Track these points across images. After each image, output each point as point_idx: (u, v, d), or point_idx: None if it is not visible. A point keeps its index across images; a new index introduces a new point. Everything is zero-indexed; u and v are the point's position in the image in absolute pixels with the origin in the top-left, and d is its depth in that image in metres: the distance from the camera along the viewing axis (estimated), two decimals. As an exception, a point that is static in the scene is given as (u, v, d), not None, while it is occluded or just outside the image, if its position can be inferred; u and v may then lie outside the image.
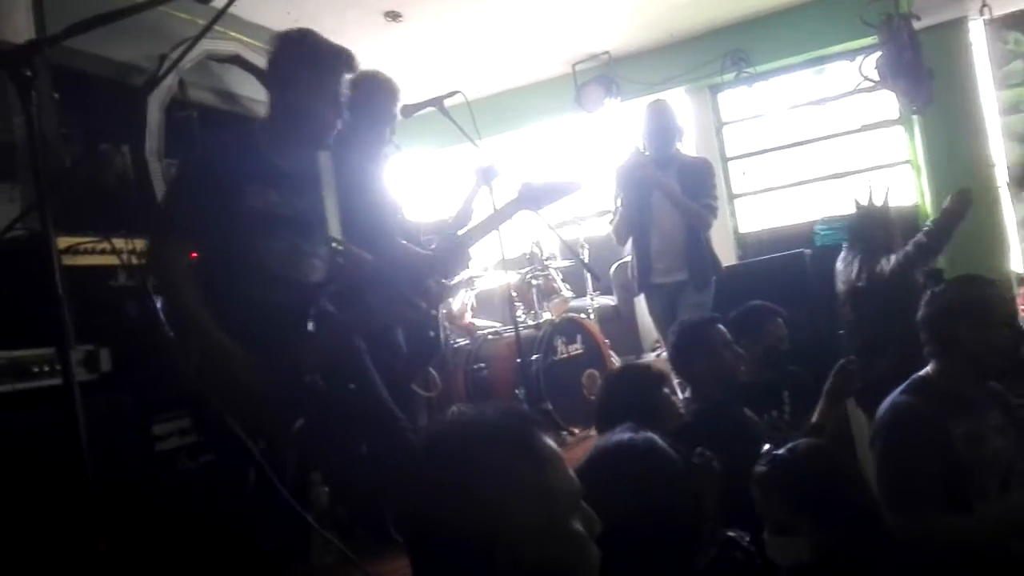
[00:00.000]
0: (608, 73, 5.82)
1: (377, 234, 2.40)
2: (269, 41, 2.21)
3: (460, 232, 2.60)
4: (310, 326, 2.11)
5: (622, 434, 1.60)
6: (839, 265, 3.79)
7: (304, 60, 2.10)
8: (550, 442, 1.08)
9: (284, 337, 2.06)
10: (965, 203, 3.29)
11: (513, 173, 2.80)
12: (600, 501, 1.09)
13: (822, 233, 5.04)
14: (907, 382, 2.13)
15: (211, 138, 2.19)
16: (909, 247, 3.37)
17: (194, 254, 2.11)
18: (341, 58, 2.16)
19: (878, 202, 3.76)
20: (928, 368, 2.13)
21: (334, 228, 2.22)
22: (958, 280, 2.24)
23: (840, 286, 3.75)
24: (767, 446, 1.87)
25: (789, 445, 1.83)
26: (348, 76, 2.18)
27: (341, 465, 2.33)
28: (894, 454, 1.95)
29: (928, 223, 3.51)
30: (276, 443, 1.98)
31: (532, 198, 2.35)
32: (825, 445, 1.88)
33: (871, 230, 3.71)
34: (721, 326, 2.86)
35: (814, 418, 2.52)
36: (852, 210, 3.92)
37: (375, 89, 2.87)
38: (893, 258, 3.41)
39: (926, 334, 2.15)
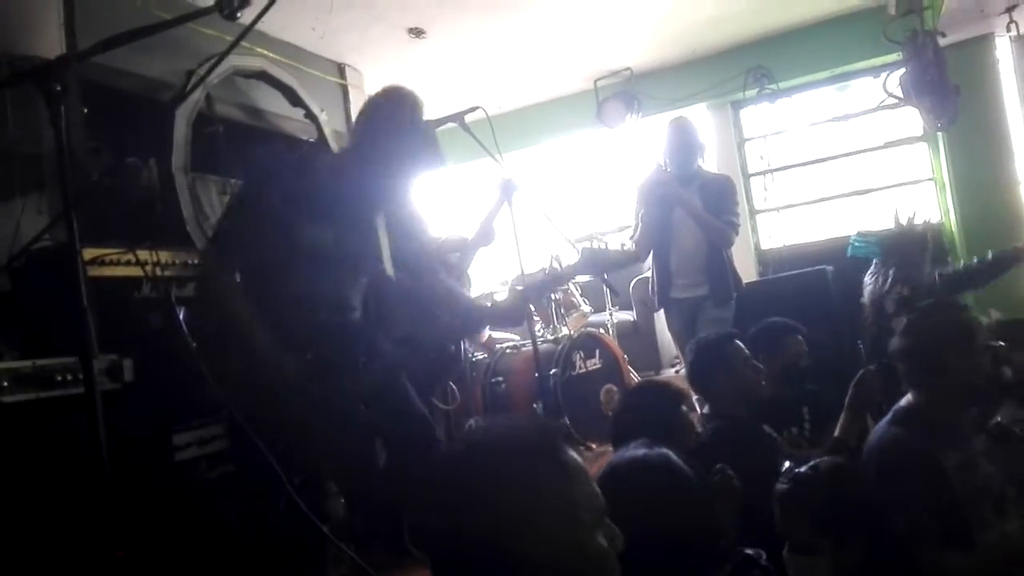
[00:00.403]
0: (630, 89, 5.83)
1: (431, 275, 2.41)
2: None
3: (520, 288, 2.60)
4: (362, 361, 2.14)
5: (636, 450, 1.60)
6: (867, 278, 3.74)
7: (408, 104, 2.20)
8: (576, 456, 1.08)
9: (337, 366, 2.07)
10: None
11: (533, 189, 2.82)
12: (613, 516, 1.09)
13: (856, 244, 4.92)
14: (892, 412, 2.06)
15: (272, 157, 2.18)
16: (961, 269, 3.32)
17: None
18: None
19: (918, 222, 3.72)
20: (910, 397, 2.06)
21: (387, 268, 2.24)
22: (935, 307, 2.18)
23: (866, 298, 3.70)
24: (788, 464, 1.85)
25: (811, 463, 1.81)
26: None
27: (358, 476, 2.34)
28: (889, 492, 1.86)
29: (988, 256, 3.49)
30: (307, 462, 1.99)
31: (593, 264, 2.38)
32: (847, 464, 1.85)
33: (908, 247, 3.65)
34: (739, 343, 2.83)
35: (836, 432, 2.49)
36: (890, 226, 3.86)
37: (399, 104, 2.90)
38: (937, 275, 3.37)
39: (909, 364, 2.06)
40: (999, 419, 2.15)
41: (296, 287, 2.08)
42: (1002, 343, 2.05)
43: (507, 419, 1.13)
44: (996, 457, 2.01)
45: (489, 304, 2.56)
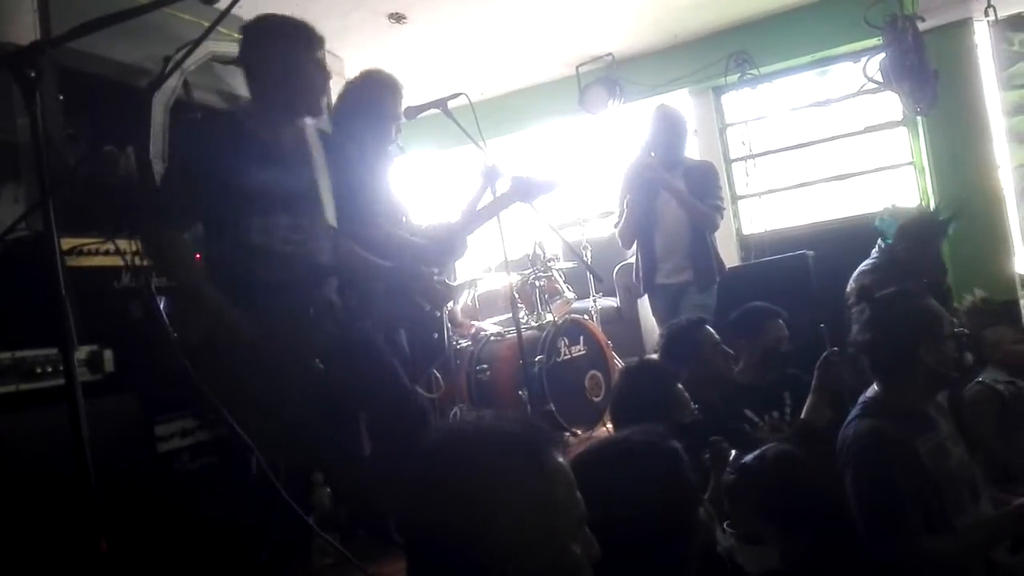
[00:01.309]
0: (611, 75, 5.82)
1: (371, 224, 2.39)
2: (240, 31, 2.28)
3: (453, 224, 2.59)
4: (311, 312, 2.12)
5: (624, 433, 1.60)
6: (865, 266, 3.69)
7: (282, 33, 2.18)
8: (562, 461, 1.07)
9: (291, 318, 2.07)
10: None
11: (513, 173, 2.81)
12: (589, 494, 1.08)
13: (884, 219, 4.82)
14: (860, 404, 2.04)
15: (187, 121, 2.20)
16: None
17: (198, 256, 2.12)
18: (309, 28, 2.22)
19: (938, 218, 3.70)
20: (875, 389, 2.05)
21: (329, 215, 2.21)
22: (896, 298, 2.12)
23: (855, 282, 3.66)
24: (734, 453, 1.85)
25: (757, 453, 1.80)
26: (323, 44, 2.24)
27: (343, 465, 2.33)
28: (871, 483, 1.84)
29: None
30: (273, 432, 1.98)
31: (523, 191, 2.39)
32: (794, 452, 1.82)
33: (925, 229, 3.63)
34: (710, 328, 2.86)
35: (803, 415, 2.51)
36: (914, 211, 3.85)
37: (377, 87, 2.88)
38: None
39: (877, 356, 2.04)
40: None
41: (255, 232, 2.07)
42: (965, 330, 2.05)
43: (493, 416, 1.12)
44: (960, 440, 2.03)
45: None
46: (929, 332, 1.96)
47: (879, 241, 3.74)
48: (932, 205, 3.74)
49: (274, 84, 2.14)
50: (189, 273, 2.06)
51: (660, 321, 4.15)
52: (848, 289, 3.66)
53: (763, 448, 1.81)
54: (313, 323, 2.11)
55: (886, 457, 1.85)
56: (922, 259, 3.53)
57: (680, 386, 2.42)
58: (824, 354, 2.46)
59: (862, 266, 3.72)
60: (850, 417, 2.03)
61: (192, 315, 2.02)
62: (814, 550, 1.64)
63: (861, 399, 2.08)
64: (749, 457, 1.80)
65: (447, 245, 2.43)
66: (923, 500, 1.80)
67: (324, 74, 2.18)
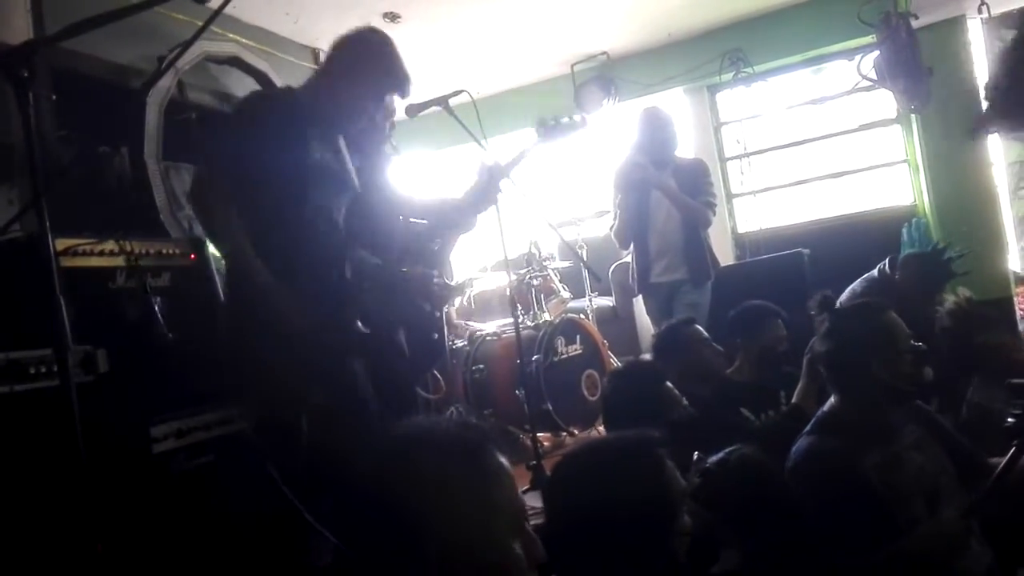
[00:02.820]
0: (606, 73, 5.82)
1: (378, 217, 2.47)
2: (337, 40, 2.35)
3: (487, 171, 2.70)
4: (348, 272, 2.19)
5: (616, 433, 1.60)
6: (860, 283, 3.63)
7: (370, 57, 2.26)
8: (502, 460, 1.08)
9: (328, 286, 2.12)
10: None
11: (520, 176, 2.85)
12: (568, 495, 1.09)
13: (914, 235, 4.75)
14: (813, 420, 2.04)
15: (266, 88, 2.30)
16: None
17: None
18: (403, 76, 2.33)
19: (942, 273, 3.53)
20: (832, 401, 2.04)
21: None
22: (855, 310, 2.13)
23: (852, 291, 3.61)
24: (696, 455, 1.84)
25: (720, 457, 1.80)
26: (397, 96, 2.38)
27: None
28: (811, 500, 1.83)
29: None
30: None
31: (548, 133, 2.40)
32: (757, 456, 1.82)
33: (915, 276, 3.51)
34: (697, 326, 2.87)
35: (794, 399, 2.52)
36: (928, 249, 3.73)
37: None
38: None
39: (831, 369, 2.04)
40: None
41: (309, 203, 2.12)
42: (922, 344, 2.00)
43: (432, 419, 1.13)
44: (928, 445, 1.99)
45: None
46: (883, 346, 1.94)
47: (882, 264, 3.67)
48: (941, 245, 3.63)
49: (332, 105, 2.22)
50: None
51: (654, 320, 4.16)
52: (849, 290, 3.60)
53: (727, 451, 1.81)
54: (352, 284, 2.19)
55: (823, 476, 1.84)
56: (918, 297, 3.40)
57: (669, 384, 2.43)
58: (813, 340, 2.46)
59: (858, 282, 3.68)
60: (803, 432, 2.02)
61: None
62: (773, 553, 1.65)
63: (817, 412, 2.07)
64: (712, 460, 1.80)
65: (485, 190, 2.48)
66: (864, 516, 1.79)
67: (382, 116, 2.32)
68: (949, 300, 3.08)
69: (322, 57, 4.61)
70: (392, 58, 2.30)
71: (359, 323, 2.20)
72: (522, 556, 1.04)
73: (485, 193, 2.50)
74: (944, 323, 2.95)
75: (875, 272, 3.66)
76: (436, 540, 0.98)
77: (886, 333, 1.97)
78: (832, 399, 2.05)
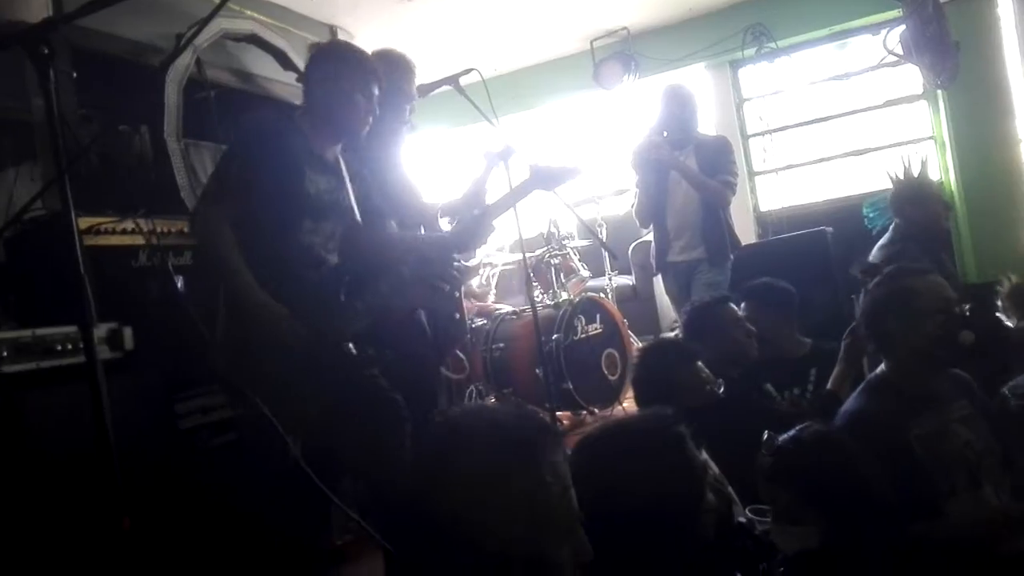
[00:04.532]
0: (626, 49, 5.75)
1: (396, 218, 2.43)
2: (308, 49, 2.34)
3: (477, 211, 2.62)
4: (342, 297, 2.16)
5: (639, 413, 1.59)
6: (877, 252, 3.60)
7: (340, 56, 2.23)
8: (560, 461, 1.06)
9: (321, 310, 2.10)
10: None
11: (527, 153, 2.79)
12: (590, 480, 1.07)
13: (870, 216, 4.78)
14: (864, 383, 2.05)
15: (260, 115, 2.31)
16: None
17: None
18: (370, 63, 2.27)
19: (914, 173, 3.57)
20: (882, 366, 2.04)
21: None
22: (889, 272, 2.10)
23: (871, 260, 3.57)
24: (767, 434, 1.82)
25: (793, 434, 1.78)
26: (381, 74, 2.29)
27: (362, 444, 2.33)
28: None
29: None
30: (300, 411, 1.99)
31: (543, 178, 2.40)
32: (831, 432, 1.80)
33: (918, 194, 3.56)
34: (732, 305, 2.83)
35: (829, 385, 2.49)
36: (888, 185, 3.76)
37: (389, 68, 2.85)
38: None
39: (865, 332, 2.05)
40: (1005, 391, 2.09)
41: (304, 234, 2.12)
42: (966, 306, 1.96)
43: (495, 409, 1.10)
44: (976, 423, 1.96)
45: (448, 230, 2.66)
46: (898, 307, 1.94)
47: (895, 220, 3.65)
48: (903, 173, 3.62)
49: (324, 113, 2.20)
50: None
51: (672, 299, 4.13)
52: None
53: (798, 428, 1.79)
54: (346, 306, 2.16)
55: (866, 440, 1.81)
56: (923, 214, 3.43)
57: (700, 363, 2.40)
58: (852, 324, 2.43)
59: (879, 244, 3.66)
60: (850, 397, 2.04)
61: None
62: (855, 530, 1.63)
63: (868, 377, 2.07)
64: (784, 438, 1.77)
65: (472, 231, 2.46)
66: (906, 485, 1.77)
67: (370, 103, 2.23)
68: (1005, 284, 2.93)
69: (339, 35, 4.63)
70: (360, 50, 2.31)
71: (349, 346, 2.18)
72: (569, 559, 1.02)
73: (473, 234, 2.49)
74: (1003, 305, 2.85)
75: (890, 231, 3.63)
76: (487, 536, 0.96)
77: (903, 294, 1.96)
78: (883, 364, 2.05)
